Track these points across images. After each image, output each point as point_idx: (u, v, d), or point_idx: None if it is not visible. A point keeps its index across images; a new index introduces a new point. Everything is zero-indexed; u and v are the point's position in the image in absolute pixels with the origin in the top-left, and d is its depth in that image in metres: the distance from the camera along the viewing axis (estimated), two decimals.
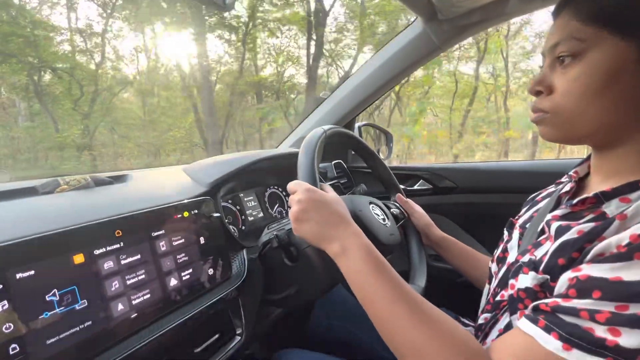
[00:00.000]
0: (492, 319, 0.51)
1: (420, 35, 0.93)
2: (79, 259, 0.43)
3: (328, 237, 0.48)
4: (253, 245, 0.73)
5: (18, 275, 0.38)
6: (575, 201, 0.43)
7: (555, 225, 0.43)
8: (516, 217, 0.59)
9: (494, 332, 0.50)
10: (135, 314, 0.48)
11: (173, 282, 0.54)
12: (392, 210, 0.77)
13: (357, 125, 1.25)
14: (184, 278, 0.56)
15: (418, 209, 0.82)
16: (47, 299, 0.40)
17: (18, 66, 5.72)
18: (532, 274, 0.41)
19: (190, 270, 0.57)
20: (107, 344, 0.44)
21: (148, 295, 0.50)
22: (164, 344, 0.50)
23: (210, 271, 0.60)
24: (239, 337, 0.62)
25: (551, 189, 0.57)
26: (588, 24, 0.39)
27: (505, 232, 0.58)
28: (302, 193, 0.50)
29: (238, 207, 0.87)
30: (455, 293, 0.96)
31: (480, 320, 0.54)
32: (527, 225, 0.52)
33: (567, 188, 0.49)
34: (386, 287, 0.43)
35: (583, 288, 0.33)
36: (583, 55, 0.39)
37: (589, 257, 0.35)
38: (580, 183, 0.50)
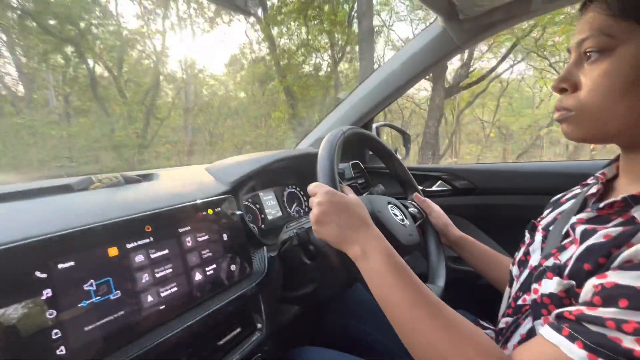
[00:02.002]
0: (513, 323, 0.50)
1: (440, 35, 0.92)
2: (113, 251, 0.46)
3: (349, 240, 0.48)
4: (272, 243, 0.75)
5: (60, 266, 0.41)
6: (602, 204, 0.42)
7: (580, 228, 0.42)
8: (538, 219, 0.58)
9: (516, 337, 0.49)
10: (164, 306, 0.50)
11: (198, 276, 0.56)
12: (410, 210, 0.77)
13: (374, 125, 1.25)
14: (208, 273, 0.58)
15: (436, 208, 0.81)
16: (85, 288, 0.43)
17: (73, 56, 5.90)
18: (556, 279, 0.40)
19: (214, 266, 0.59)
20: (138, 333, 0.47)
21: (175, 289, 0.52)
22: (189, 335, 0.52)
23: (233, 267, 0.62)
24: (259, 333, 0.64)
25: (576, 190, 0.56)
26: (619, 19, 0.38)
27: (527, 235, 0.57)
28: (323, 195, 0.51)
29: (258, 206, 0.89)
30: (474, 295, 0.94)
31: (501, 325, 0.53)
32: (551, 228, 0.51)
33: (593, 190, 0.48)
34: (407, 290, 0.43)
35: (609, 296, 0.32)
36: (612, 50, 0.39)
37: (615, 263, 0.34)
38: (608, 185, 0.49)
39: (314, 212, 0.51)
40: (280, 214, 0.95)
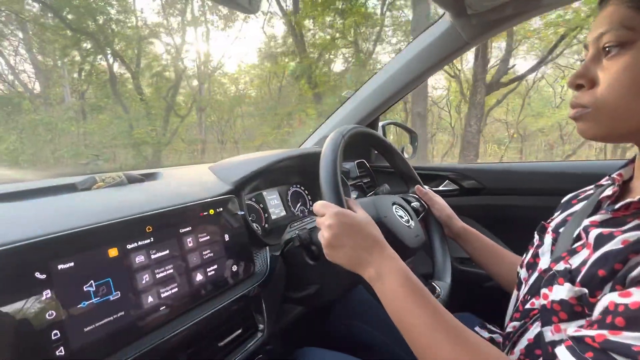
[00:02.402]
0: (521, 328, 0.49)
1: (448, 31, 0.90)
2: (113, 252, 0.46)
3: (363, 262, 0.47)
4: (276, 243, 0.74)
5: (59, 267, 0.41)
6: (617, 206, 0.40)
7: (595, 232, 0.40)
8: (548, 221, 0.56)
9: (523, 341, 0.48)
10: (164, 307, 0.50)
11: (199, 277, 0.56)
12: (412, 204, 0.75)
13: (380, 124, 1.24)
14: (209, 274, 0.57)
15: (439, 200, 0.79)
16: (85, 289, 0.43)
17: (91, 51, 5.96)
18: (568, 285, 0.39)
19: (215, 267, 0.59)
20: (138, 334, 0.46)
21: (176, 289, 0.52)
22: (190, 336, 0.52)
23: (234, 268, 0.62)
24: (261, 333, 0.63)
25: (589, 191, 0.54)
26: None
27: (536, 236, 0.56)
28: (332, 218, 0.49)
29: (261, 205, 0.89)
30: (481, 298, 0.92)
31: (509, 329, 0.52)
32: (561, 230, 0.50)
33: (608, 192, 0.46)
34: (425, 313, 0.42)
35: (634, 318, 0.30)
36: (633, 44, 0.37)
37: (635, 273, 0.32)
38: (624, 187, 0.47)
39: (325, 236, 0.49)
40: (284, 213, 0.95)
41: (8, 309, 0.36)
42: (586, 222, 0.43)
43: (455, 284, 0.67)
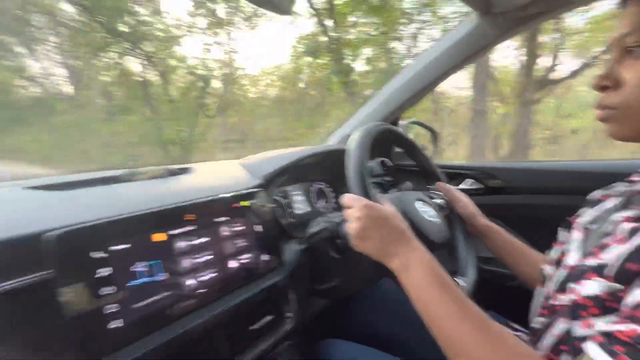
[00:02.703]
0: (546, 323, 0.49)
1: (475, 30, 0.90)
2: (160, 237, 0.50)
3: (390, 254, 0.49)
4: (301, 236, 0.77)
5: (114, 248, 0.45)
6: None
7: (627, 227, 0.40)
8: (573, 217, 0.56)
9: (549, 337, 0.48)
10: (203, 290, 0.54)
11: (233, 264, 0.59)
12: (435, 200, 0.76)
13: (402, 123, 1.24)
14: (241, 261, 0.61)
15: (462, 197, 0.79)
16: (135, 269, 0.47)
17: (123, 52, 6.13)
18: (599, 280, 0.39)
19: (247, 255, 0.62)
20: (180, 313, 0.50)
21: (213, 274, 0.56)
22: (225, 318, 0.55)
23: (264, 257, 0.65)
24: (289, 321, 0.66)
25: (619, 187, 0.53)
26: None
27: (561, 233, 0.56)
28: (361, 210, 0.51)
29: (286, 200, 0.92)
30: (505, 297, 0.92)
31: (534, 324, 0.52)
32: (590, 226, 0.50)
33: (639, 187, 0.46)
34: (451, 304, 0.43)
35: None
36: None
37: None
38: None
39: (353, 227, 0.51)
40: (308, 209, 0.97)
41: (72, 283, 0.41)
42: (617, 217, 0.43)
43: (478, 283, 0.67)
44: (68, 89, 6.56)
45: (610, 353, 0.32)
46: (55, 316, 0.40)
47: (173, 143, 6.28)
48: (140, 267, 0.47)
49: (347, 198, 0.55)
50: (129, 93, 6.60)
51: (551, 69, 5.53)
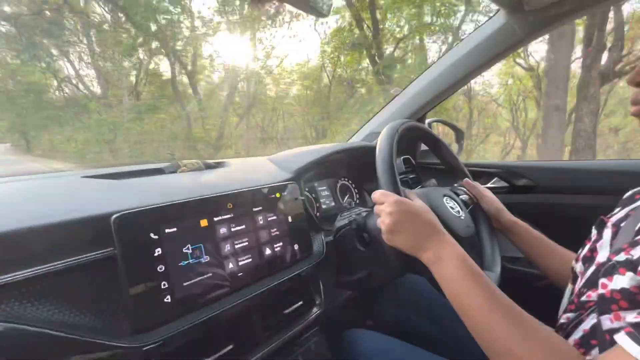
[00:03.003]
0: (575, 319, 0.49)
1: (503, 28, 0.90)
2: (204, 223, 0.54)
3: (423, 247, 0.51)
4: (328, 229, 0.80)
5: (167, 230, 0.50)
6: None
7: None
8: (608, 216, 0.56)
9: (578, 332, 0.48)
10: (241, 273, 0.58)
11: (267, 251, 0.63)
12: (461, 197, 0.77)
13: (427, 121, 1.25)
14: (275, 249, 0.65)
15: (487, 193, 0.80)
16: (184, 251, 0.51)
17: (154, 50, 6.40)
18: (630, 274, 0.39)
19: (280, 244, 0.66)
20: (222, 294, 0.54)
21: (250, 260, 0.60)
22: (260, 301, 0.59)
23: (296, 247, 0.69)
24: (318, 307, 0.69)
25: None
26: None
27: (594, 231, 0.55)
28: (392, 205, 0.53)
29: (313, 195, 0.95)
30: (530, 297, 0.91)
31: (562, 320, 0.53)
32: (622, 224, 0.50)
33: None
34: (482, 296, 0.44)
35: None
36: None
37: None
38: None
39: (385, 222, 0.53)
40: (333, 204, 1.01)
41: (132, 260, 0.46)
42: None
43: (504, 283, 0.68)
44: (99, 89, 6.87)
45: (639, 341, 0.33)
46: (117, 288, 0.45)
47: (203, 141, 6.44)
48: (189, 249, 0.52)
49: (378, 194, 0.56)
50: (158, 92, 6.82)
51: (617, 58, 4.89)
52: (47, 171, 0.69)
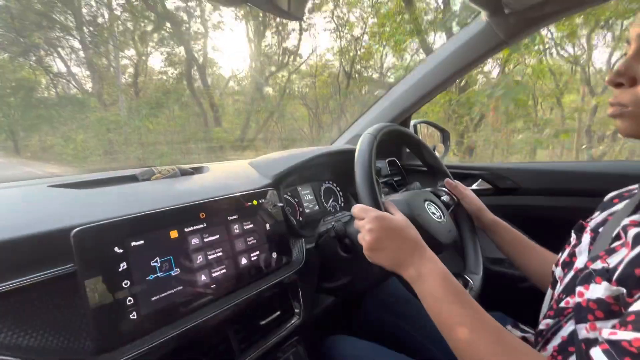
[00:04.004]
0: (554, 325, 0.49)
1: (484, 31, 0.90)
2: (174, 234, 0.52)
3: (404, 264, 0.50)
4: (310, 235, 0.79)
5: (133, 243, 0.48)
6: None
7: (633, 231, 0.40)
8: (587, 220, 0.56)
9: (557, 339, 0.48)
10: (214, 285, 0.56)
11: (244, 261, 0.61)
12: (442, 198, 0.76)
13: (412, 122, 1.25)
14: (252, 259, 0.63)
15: (468, 192, 0.79)
16: (152, 264, 0.49)
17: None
18: (605, 284, 0.38)
19: (257, 252, 0.64)
20: (193, 308, 0.53)
21: (224, 270, 0.58)
22: (235, 313, 0.57)
23: (274, 255, 0.67)
24: (297, 317, 0.68)
25: (633, 190, 0.53)
26: None
27: (573, 235, 0.55)
28: (372, 222, 0.51)
29: (296, 200, 0.94)
30: (512, 298, 0.91)
31: (542, 326, 0.52)
32: (600, 230, 0.49)
33: None
34: (465, 314, 0.44)
35: None
36: None
37: None
38: None
39: (366, 239, 0.52)
40: (317, 208, 0.99)
41: (94, 276, 0.43)
42: (626, 221, 0.43)
43: (487, 284, 0.68)
44: (92, 83, 6.63)
45: None
46: (80, 306, 0.43)
47: (224, 142, 6.33)
48: (158, 261, 0.50)
49: (357, 209, 0.55)
50: (164, 89, 6.61)
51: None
52: (22, 178, 0.66)
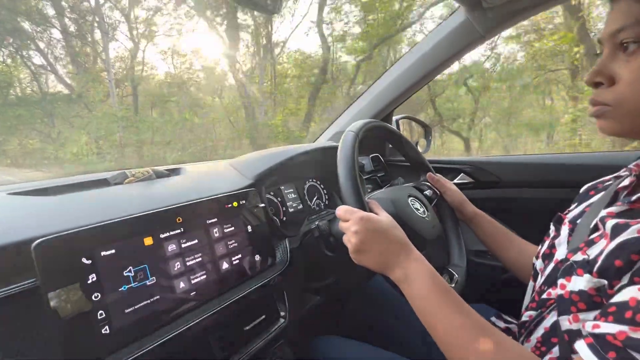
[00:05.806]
0: (537, 317, 0.50)
1: (463, 25, 0.90)
2: (148, 241, 0.50)
3: (390, 265, 0.49)
4: (294, 235, 0.77)
5: (103, 253, 0.45)
6: (634, 197, 0.40)
7: (611, 222, 0.40)
8: (565, 212, 0.57)
9: (539, 330, 0.49)
10: (194, 292, 0.53)
11: (225, 265, 0.59)
12: (425, 192, 0.77)
13: (395, 118, 1.24)
14: (234, 262, 0.61)
15: (450, 186, 0.80)
16: (125, 274, 0.46)
17: None
18: (587, 276, 0.39)
19: (239, 256, 0.62)
20: (171, 317, 0.50)
21: (204, 276, 0.55)
22: (217, 320, 0.55)
23: (257, 257, 0.65)
24: (283, 320, 0.66)
25: (608, 182, 0.54)
26: None
27: (552, 227, 0.56)
28: (357, 223, 0.50)
29: (279, 199, 0.91)
30: (496, 290, 0.93)
31: (524, 318, 0.53)
32: (578, 221, 0.50)
33: (626, 182, 0.46)
34: (452, 314, 0.44)
35: None
36: None
37: None
38: None
39: (352, 242, 0.51)
40: (301, 206, 0.97)
41: (60, 290, 0.40)
42: (603, 212, 0.44)
43: (470, 276, 0.68)
44: (82, 86, 6.26)
45: (600, 357, 0.33)
46: (47, 323, 0.40)
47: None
48: (131, 271, 0.47)
49: (342, 211, 0.54)
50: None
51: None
52: None
